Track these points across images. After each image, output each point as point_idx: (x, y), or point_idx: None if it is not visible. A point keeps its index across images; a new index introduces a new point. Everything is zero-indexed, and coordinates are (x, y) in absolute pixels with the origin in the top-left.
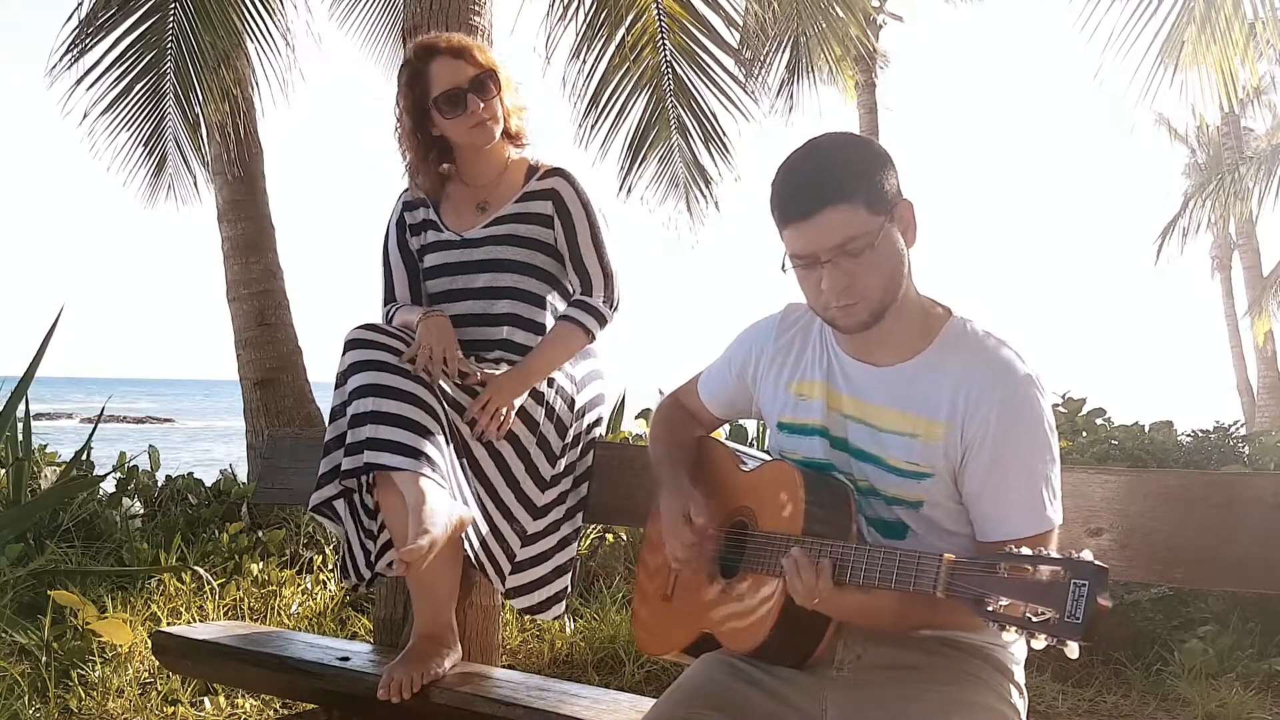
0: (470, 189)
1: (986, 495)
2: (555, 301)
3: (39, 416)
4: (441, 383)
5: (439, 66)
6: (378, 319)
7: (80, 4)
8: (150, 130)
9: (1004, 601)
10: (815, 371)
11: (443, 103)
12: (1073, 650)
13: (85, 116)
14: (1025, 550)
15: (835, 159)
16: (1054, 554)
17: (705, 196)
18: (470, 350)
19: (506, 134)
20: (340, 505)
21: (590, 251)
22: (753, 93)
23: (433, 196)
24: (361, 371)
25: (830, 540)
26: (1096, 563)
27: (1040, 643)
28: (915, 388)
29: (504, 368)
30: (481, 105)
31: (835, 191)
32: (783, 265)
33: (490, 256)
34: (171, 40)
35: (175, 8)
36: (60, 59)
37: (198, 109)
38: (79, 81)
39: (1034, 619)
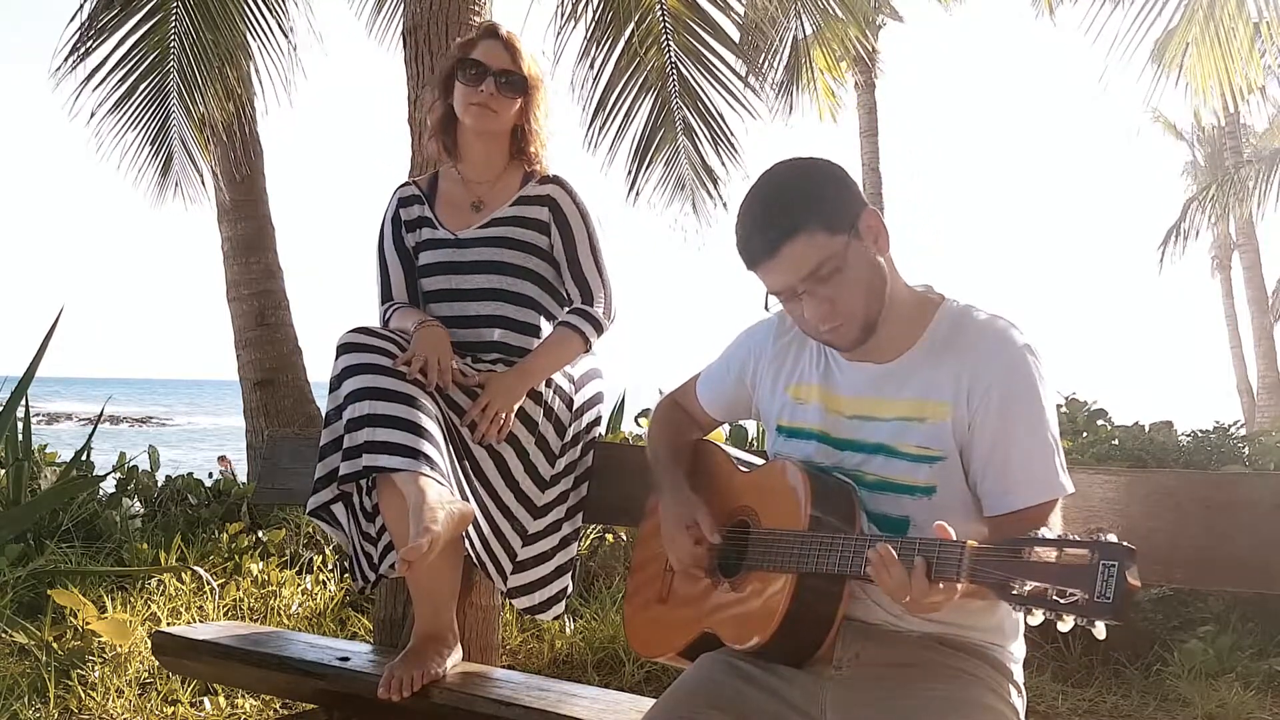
0: (466, 187)
1: (994, 466)
2: (548, 305)
3: (39, 416)
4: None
5: (487, 44)
6: (375, 318)
7: (82, 5)
8: (156, 129)
9: (1029, 585)
10: (812, 375)
11: (466, 66)
12: (1100, 631)
13: (92, 116)
14: (1049, 534)
15: (783, 192)
16: (1079, 536)
17: (713, 197)
18: (465, 351)
19: (523, 151)
20: (339, 509)
21: (589, 262)
22: (758, 90)
23: (428, 176)
24: (356, 375)
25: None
26: (1125, 544)
27: (1067, 624)
28: (918, 374)
29: (501, 369)
30: (494, 91)
31: (789, 225)
32: (765, 304)
33: (483, 258)
34: (175, 39)
35: (177, 6)
36: (64, 60)
37: (202, 108)
38: (85, 81)
39: (1061, 600)
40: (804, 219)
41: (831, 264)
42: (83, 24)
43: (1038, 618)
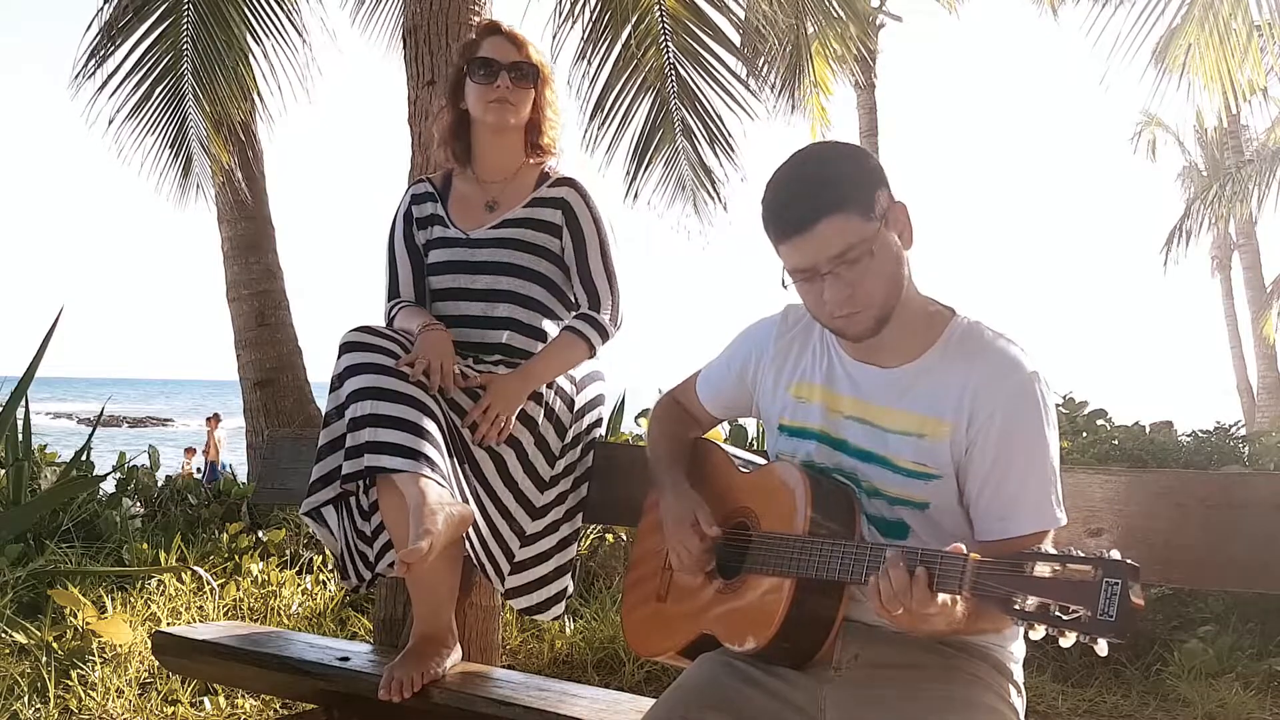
0: (481, 186)
1: (989, 490)
2: (556, 309)
3: (48, 415)
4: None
5: (491, 41)
6: (379, 317)
7: (99, 12)
8: (175, 132)
9: (1032, 600)
10: (815, 374)
11: (476, 66)
12: (1102, 648)
13: (110, 123)
14: (1052, 549)
15: (825, 170)
16: (1082, 553)
17: (713, 198)
18: (470, 352)
19: (536, 145)
20: (329, 511)
21: (599, 268)
22: (757, 92)
23: (442, 174)
24: (358, 374)
25: (839, 540)
26: (1129, 561)
27: (1069, 640)
28: (921, 387)
29: (503, 370)
30: (510, 85)
31: (828, 202)
32: (783, 281)
33: (494, 259)
34: (187, 41)
35: (189, 7)
36: (83, 67)
37: (219, 108)
38: (101, 88)
39: (1064, 617)
40: (844, 199)
41: (861, 248)
42: (101, 29)
43: (1040, 633)
